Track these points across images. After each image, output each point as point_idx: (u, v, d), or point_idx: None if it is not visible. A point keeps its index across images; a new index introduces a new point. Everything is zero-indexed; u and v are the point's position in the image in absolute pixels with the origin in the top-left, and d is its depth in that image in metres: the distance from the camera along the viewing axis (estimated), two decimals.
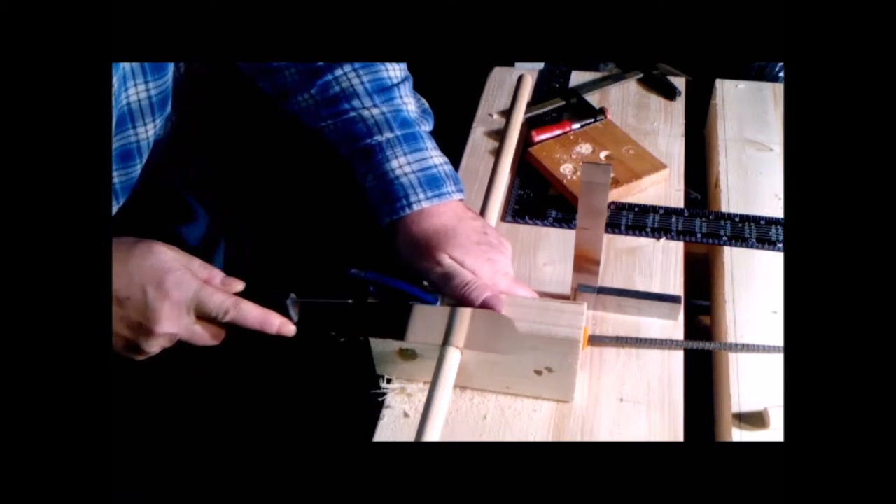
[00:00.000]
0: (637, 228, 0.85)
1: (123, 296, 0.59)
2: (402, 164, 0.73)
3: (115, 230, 0.80)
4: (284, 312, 0.64)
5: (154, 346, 0.62)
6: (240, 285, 0.64)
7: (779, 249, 0.81)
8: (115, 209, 0.81)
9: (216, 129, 1.04)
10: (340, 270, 0.68)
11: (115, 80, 0.69)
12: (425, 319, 0.66)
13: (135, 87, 0.73)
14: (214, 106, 1.01)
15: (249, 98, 0.86)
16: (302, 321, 0.65)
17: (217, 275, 0.64)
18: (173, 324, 0.61)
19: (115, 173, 0.77)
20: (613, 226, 0.85)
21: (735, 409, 0.67)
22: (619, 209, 0.87)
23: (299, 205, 1.14)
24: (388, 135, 0.74)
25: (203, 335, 0.63)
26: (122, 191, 0.80)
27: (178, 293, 0.60)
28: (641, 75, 1.07)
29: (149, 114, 0.76)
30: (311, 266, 1.05)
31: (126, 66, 0.71)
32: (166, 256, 0.61)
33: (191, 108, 0.83)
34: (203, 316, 0.62)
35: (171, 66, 0.77)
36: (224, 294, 0.62)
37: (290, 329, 0.65)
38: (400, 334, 0.67)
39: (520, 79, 1.05)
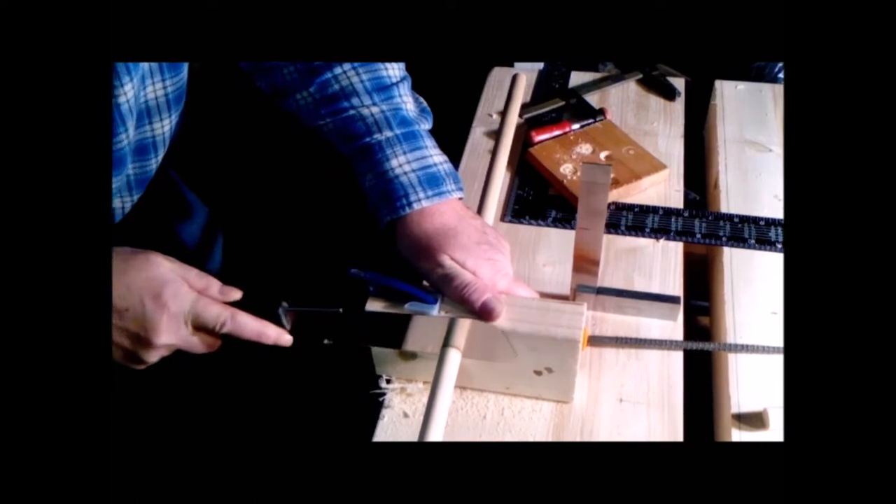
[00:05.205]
0: (637, 229, 0.85)
1: (122, 307, 0.60)
2: (401, 163, 0.72)
3: (124, 225, 0.81)
4: (277, 321, 0.64)
5: (153, 357, 0.62)
6: (237, 294, 0.64)
7: (778, 250, 0.81)
8: (130, 203, 0.81)
9: (216, 125, 1.04)
10: (340, 270, 0.68)
11: (136, 81, 0.70)
12: (423, 329, 0.66)
13: (153, 86, 0.74)
14: (214, 102, 1.01)
15: (249, 95, 0.87)
16: (296, 329, 0.65)
17: (214, 284, 0.64)
18: (171, 335, 0.61)
19: (130, 166, 0.78)
20: (613, 226, 0.85)
21: (735, 409, 0.67)
22: (618, 209, 0.87)
23: (298, 203, 1.14)
24: (388, 133, 0.74)
25: (200, 345, 0.63)
26: (136, 184, 0.80)
27: (176, 305, 0.61)
28: (641, 76, 1.07)
29: (165, 110, 0.77)
30: (310, 266, 1.05)
31: (145, 65, 0.71)
32: (163, 268, 0.61)
33: (190, 103, 0.84)
34: (200, 327, 0.62)
35: (186, 64, 0.77)
36: (220, 306, 0.63)
37: (286, 339, 0.65)
38: (397, 343, 0.67)
39: (513, 78, 1.05)
